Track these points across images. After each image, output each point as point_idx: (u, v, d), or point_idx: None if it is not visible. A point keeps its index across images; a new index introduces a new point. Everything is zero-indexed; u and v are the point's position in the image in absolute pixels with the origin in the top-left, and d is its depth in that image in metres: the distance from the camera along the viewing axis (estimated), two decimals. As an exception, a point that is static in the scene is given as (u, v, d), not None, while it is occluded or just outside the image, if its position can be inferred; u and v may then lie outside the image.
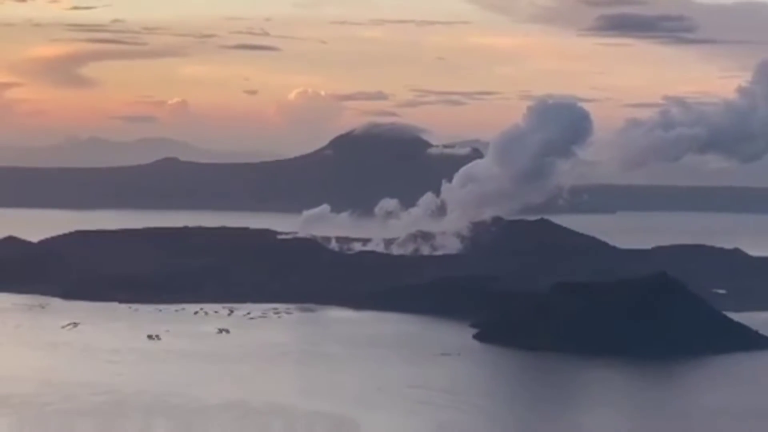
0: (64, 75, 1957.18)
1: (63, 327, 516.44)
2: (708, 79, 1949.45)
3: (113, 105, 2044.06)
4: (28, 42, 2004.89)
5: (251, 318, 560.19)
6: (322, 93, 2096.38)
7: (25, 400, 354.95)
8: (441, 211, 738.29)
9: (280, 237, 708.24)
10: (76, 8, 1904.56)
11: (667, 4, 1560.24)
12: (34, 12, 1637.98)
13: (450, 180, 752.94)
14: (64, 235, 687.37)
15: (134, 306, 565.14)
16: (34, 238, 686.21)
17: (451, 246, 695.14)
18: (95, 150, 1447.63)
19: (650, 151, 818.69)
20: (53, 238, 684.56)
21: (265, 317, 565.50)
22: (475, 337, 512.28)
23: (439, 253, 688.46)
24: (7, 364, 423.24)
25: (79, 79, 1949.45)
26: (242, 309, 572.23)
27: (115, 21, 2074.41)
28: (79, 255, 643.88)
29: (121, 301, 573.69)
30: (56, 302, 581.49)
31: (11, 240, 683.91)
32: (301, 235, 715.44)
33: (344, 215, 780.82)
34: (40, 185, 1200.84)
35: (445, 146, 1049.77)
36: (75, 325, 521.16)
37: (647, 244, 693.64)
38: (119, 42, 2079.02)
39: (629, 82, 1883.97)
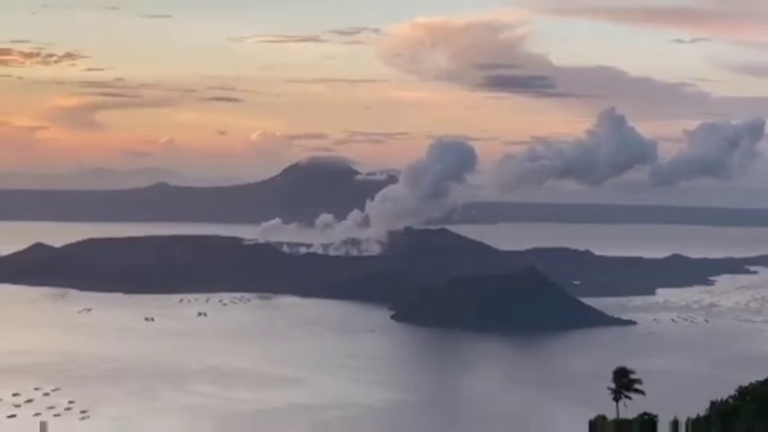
0: (80, 120, 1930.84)
1: (79, 312, 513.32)
2: (564, 123, 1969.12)
3: (117, 143, 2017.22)
4: (52, 95, 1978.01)
5: (224, 304, 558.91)
6: (277, 134, 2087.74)
7: (51, 368, 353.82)
8: (366, 222, 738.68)
9: (244, 243, 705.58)
10: (89, 69, 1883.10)
11: (535, 67, 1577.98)
12: (57, 72, 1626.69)
13: (372, 199, 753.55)
14: (80, 242, 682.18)
15: (134, 296, 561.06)
16: (57, 244, 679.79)
17: (374, 249, 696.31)
18: (103, 177, 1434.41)
19: (521, 178, 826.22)
20: (72, 244, 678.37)
21: (233, 303, 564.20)
22: (392, 317, 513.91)
23: (365, 254, 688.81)
24: (36, 340, 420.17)
25: (91, 123, 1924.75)
26: (216, 297, 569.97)
27: (118, 79, 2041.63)
28: (91, 257, 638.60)
29: (124, 292, 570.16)
30: (74, 293, 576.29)
31: (39, 246, 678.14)
32: (260, 241, 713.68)
33: (293, 226, 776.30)
34: (60, 203, 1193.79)
35: (369, 174, 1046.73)
36: (88, 310, 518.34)
37: (521, 247, 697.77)
38: (122, 95, 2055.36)
39: (506, 125, 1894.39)
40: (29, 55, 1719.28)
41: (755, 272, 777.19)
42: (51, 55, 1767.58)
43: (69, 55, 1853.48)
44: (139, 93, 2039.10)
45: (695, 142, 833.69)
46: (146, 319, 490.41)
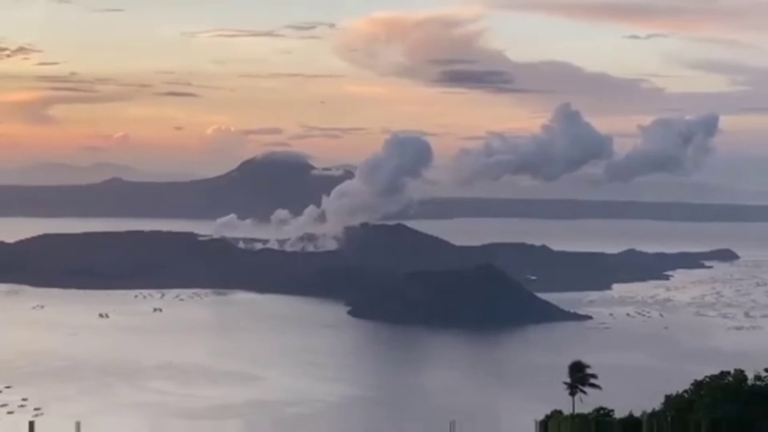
0: (34, 115, 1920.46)
1: (32, 308, 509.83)
2: (520, 118, 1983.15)
3: (72, 138, 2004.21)
4: (5, 90, 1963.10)
5: (180, 300, 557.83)
6: (232, 129, 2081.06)
7: (4, 366, 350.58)
8: (322, 218, 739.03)
9: (200, 238, 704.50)
10: (42, 64, 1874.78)
11: (491, 63, 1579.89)
12: (10, 66, 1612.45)
13: (329, 195, 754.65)
14: (34, 238, 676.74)
15: (88, 292, 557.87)
16: (10, 239, 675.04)
17: (330, 245, 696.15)
18: (58, 172, 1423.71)
19: (477, 173, 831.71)
20: (25, 240, 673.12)
21: (189, 299, 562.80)
22: (349, 313, 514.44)
23: (321, 250, 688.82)
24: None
25: (45, 118, 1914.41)
26: (171, 293, 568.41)
27: (73, 74, 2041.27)
28: (45, 253, 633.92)
29: (78, 288, 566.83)
30: (27, 289, 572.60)
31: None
32: (215, 236, 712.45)
33: (248, 222, 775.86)
34: (14, 198, 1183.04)
35: (325, 169, 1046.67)
36: (42, 307, 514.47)
37: (477, 242, 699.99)
38: (76, 90, 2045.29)
39: (462, 121, 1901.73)
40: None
41: (710, 267, 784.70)
42: (3, 50, 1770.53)
43: (22, 50, 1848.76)
44: (93, 88, 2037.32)
45: (650, 137, 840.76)
46: (101, 315, 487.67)
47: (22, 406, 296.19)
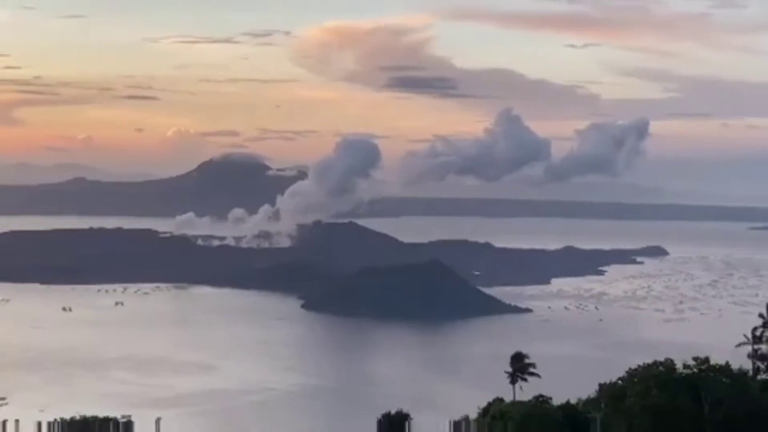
0: (1, 116, 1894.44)
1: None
2: (464, 122, 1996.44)
3: (37, 139, 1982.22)
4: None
5: (144, 293, 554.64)
6: (191, 131, 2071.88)
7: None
8: (276, 216, 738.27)
9: (160, 235, 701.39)
10: (8, 67, 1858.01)
11: (437, 69, 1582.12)
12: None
13: (283, 194, 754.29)
14: (0, 234, 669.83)
15: (52, 286, 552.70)
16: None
17: (284, 242, 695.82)
18: (23, 172, 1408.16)
19: (423, 173, 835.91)
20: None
21: (150, 294, 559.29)
22: (302, 306, 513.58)
23: (276, 246, 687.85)
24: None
25: (10, 120, 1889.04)
26: (133, 287, 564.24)
27: (36, 77, 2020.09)
28: (10, 249, 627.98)
29: (42, 283, 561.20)
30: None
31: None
32: (175, 234, 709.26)
33: (206, 219, 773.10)
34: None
35: (279, 170, 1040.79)
36: (6, 301, 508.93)
37: (424, 239, 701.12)
38: (41, 93, 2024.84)
39: (410, 124, 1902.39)
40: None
41: (641, 263, 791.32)
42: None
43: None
44: (57, 91, 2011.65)
45: (585, 140, 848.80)
46: (64, 309, 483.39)
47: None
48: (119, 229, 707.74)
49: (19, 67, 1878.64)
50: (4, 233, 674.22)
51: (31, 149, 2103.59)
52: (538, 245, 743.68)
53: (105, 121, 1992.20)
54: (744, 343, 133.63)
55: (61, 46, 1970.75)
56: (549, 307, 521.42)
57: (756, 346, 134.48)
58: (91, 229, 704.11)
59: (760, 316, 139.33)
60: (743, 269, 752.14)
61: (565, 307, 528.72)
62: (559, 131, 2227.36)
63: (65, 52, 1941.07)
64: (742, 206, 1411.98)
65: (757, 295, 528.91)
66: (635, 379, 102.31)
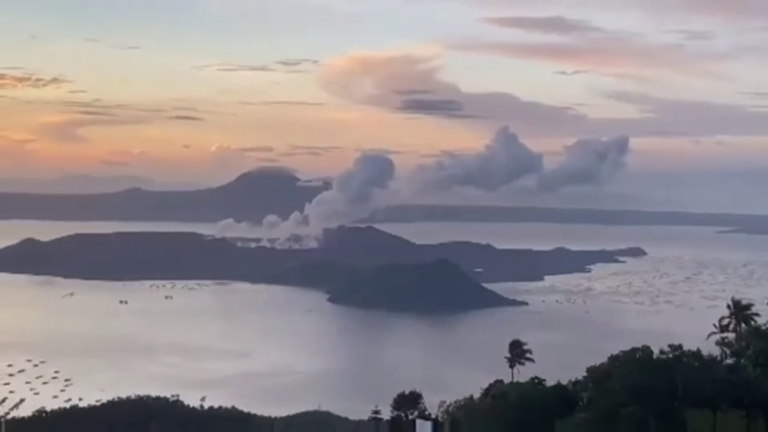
0: (65, 135, 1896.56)
1: (63, 296, 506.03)
2: (467, 139, 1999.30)
3: (97, 154, 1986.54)
4: (41, 113, 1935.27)
5: (189, 289, 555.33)
6: (231, 147, 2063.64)
7: (40, 343, 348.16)
8: (305, 222, 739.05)
9: (204, 238, 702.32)
10: (72, 92, 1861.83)
11: (444, 93, 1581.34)
12: (45, 94, 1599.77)
13: (311, 202, 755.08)
14: (65, 237, 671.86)
15: (110, 282, 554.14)
16: (45, 239, 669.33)
17: (312, 243, 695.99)
18: (85, 183, 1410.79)
19: (431, 184, 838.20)
20: (57, 239, 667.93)
21: (195, 289, 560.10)
22: (328, 300, 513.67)
23: (305, 248, 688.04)
24: (27, 320, 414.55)
25: (74, 137, 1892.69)
26: (180, 284, 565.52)
27: (97, 100, 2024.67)
28: (74, 250, 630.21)
29: (102, 279, 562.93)
30: (59, 280, 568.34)
31: (29, 240, 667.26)
32: (217, 237, 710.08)
33: (244, 224, 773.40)
34: (48, 205, 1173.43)
35: (307, 181, 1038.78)
36: (71, 295, 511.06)
37: (433, 241, 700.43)
38: (100, 114, 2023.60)
39: (420, 141, 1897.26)
40: (21, 79, 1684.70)
41: (623, 262, 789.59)
42: (40, 80, 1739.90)
43: (55, 80, 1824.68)
44: (114, 112, 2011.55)
45: (573, 155, 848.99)
46: (121, 301, 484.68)
47: (54, 377, 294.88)
48: (169, 233, 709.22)
49: (82, 92, 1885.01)
50: (70, 236, 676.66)
51: (92, 163, 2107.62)
52: (532, 246, 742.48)
53: (156, 139, 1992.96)
54: (714, 333, 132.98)
55: (119, 73, 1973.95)
56: (542, 301, 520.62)
57: (723, 335, 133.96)
58: (144, 233, 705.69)
59: (728, 307, 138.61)
60: (712, 268, 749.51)
61: (557, 301, 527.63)
62: (550, 147, 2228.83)
63: (122, 78, 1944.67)
64: (711, 213, 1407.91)
65: (724, 290, 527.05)
66: (618, 363, 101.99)
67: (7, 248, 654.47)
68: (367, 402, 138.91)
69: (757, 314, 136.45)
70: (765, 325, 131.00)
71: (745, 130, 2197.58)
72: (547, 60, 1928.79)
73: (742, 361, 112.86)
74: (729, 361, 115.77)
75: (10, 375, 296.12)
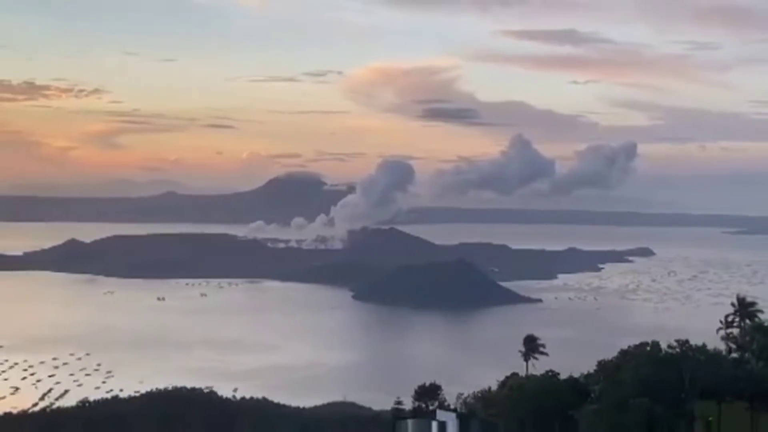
0: (105, 142, 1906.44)
1: (104, 293, 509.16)
2: (484, 146, 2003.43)
3: (135, 160, 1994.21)
4: (83, 122, 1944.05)
5: (221, 287, 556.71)
6: (261, 153, 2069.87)
7: (83, 337, 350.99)
8: (331, 223, 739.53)
9: (237, 239, 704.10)
10: (112, 102, 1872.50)
11: (462, 102, 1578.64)
12: (87, 104, 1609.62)
13: (336, 205, 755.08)
14: (106, 238, 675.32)
15: (149, 280, 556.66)
16: (87, 239, 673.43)
17: (337, 244, 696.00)
18: (124, 187, 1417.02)
19: (450, 188, 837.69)
20: (99, 240, 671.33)
21: (228, 287, 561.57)
22: (353, 297, 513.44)
23: (330, 248, 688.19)
24: (70, 316, 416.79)
25: (114, 144, 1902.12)
26: (214, 282, 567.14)
27: (135, 110, 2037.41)
28: (114, 250, 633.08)
29: (140, 278, 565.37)
30: (100, 278, 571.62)
31: (73, 241, 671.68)
32: (248, 237, 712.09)
33: (273, 226, 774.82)
34: (90, 207, 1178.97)
35: (333, 185, 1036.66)
36: (112, 292, 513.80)
37: (452, 242, 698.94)
38: (138, 123, 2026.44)
39: (439, 147, 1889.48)
40: (65, 91, 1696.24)
41: (632, 261, 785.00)
42: (82, 91, 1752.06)
43: (96, 91, 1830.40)
44: (152, 121, 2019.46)
45: (584, 160, 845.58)
46: (158, 298, 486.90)
47: (96, 370, 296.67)
48: (203, 234, 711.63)
49: (121, 102, 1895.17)
50: (110, 237, 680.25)
51: (130, 169, 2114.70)
52: (545, 247, 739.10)
53: (191, 146, 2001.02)
54: (720, 328, 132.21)
55: (156, 84, 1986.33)
56: (555, 298, 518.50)
57: (728, 331, 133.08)
58: (180, 234, 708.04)
59: (732, 305, 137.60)
60: (717, 267, 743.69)
61: (569, 298, 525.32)
62: (563, 152, 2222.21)
63: (159, 89, 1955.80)
64: (717, 214, 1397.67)
65: (728, 288, 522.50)
66: (627, 357, 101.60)
67: (52, 249, 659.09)
68: (389, 393, 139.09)
69: (760, 311, 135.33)
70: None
71: (749, 136, 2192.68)
72: (560, 70, 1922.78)
73: (746, 355, 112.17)
74: (734, 355, 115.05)
75: (56, 367, 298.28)
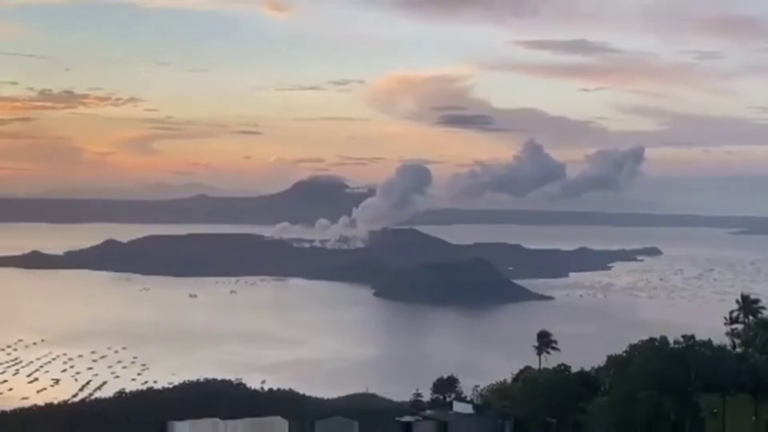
0: (140, 147, 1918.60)
1: (140, 290, 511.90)
2: (498, 150, 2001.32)
3: (168, 165, 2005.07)
4: (120, 129, 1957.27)
5: (249, 285, 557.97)
6: (287, 158, 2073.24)
7: (119, 332, 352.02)
8: (353, 224, 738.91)
9: (264, 239, 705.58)
10: (147, 110, 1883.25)
11: (477, 109, 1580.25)
12: (123, 112, 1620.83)
13: (357, 207, 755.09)
14: (141, 238, 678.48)
15: (181, 278, 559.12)
16: (124, 239, 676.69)
17: (359, 244, 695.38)
18: (158, 190, 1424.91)
19: (465, 191, 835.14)
20: (135, 240, 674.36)
21: (256, 284, 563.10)
22: (374, 294, 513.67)
23: (352, 248, 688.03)
24: (107, 311, 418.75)
25: (149, 150, 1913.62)
26: (243, 279, 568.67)
27: (169, 117, 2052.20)
28: (149, 249, 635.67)
29: (174, 275, 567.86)
30: (136, 276, 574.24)
31: (110, 241, 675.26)
32: (275, 237, 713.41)
33: (298, 227, 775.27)
34: (126, 209, 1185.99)
35: (354, 188, 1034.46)
36: (147, 289, 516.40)
37: (468, 242, 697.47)
38: (172, 129, 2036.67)
39: (455, 152, 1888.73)
40: (102, 99, 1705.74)
41: (641, 260, 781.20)
42: (119, 99, 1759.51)
43: (132, 99, 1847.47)
44: (184, 127, 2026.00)
45: (594, 164, 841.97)
46: (190, 295, 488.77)
47: (132, 362, 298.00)
48: (232, 234, 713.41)
49: (155, 110, 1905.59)
50: (145, 237, 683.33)
51: (164, 173, 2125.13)
52: (557, 246, 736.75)
53: (221, 151, 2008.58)
54: (726, 323, 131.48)
55: (188, 92, 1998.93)
56: (567, 295, 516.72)
57: (733, 326, 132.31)
58: (211, 235, 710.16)
59: (737, 302, 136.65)
60: (722, 266, 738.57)
61: (580, 295, 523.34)
62: (573, 157, 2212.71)
63: (191, 97, 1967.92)
64: (721, 215, 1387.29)
65: (732, 286, 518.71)
66: (636, 352, 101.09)
67: (91, 248, 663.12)
68: (409, 385, 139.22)
69: (763, 308, 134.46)
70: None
71: (751, 141, 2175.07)
72: (570, 78, 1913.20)
73: (750, 350, 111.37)
74: (738, 350, 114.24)
75: (94, 360, 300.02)
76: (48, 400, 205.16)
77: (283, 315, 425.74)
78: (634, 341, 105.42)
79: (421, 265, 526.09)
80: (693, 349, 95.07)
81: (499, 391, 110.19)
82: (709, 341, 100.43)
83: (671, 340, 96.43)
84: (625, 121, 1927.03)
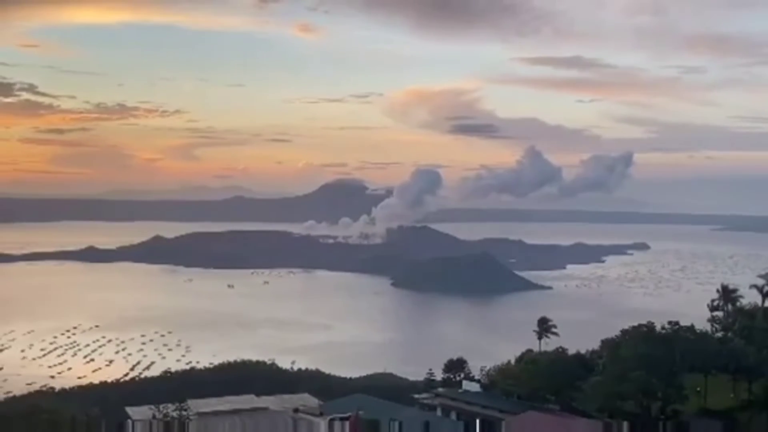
0: (184, 154, 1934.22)
1: (184, 281, 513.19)
2: (502, 156, 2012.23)
3: (209, 169, 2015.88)
4: (166, 137, 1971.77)
5: (281, 276, 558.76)
6: (315, 163, 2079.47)
7: (166, 318, 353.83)
8: (372, 222, 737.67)
9: (293, 235, 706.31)
10: (190, 120, 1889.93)
11: (484, 119, 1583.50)
12: (169, 123, 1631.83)
13: (376, 207, 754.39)
14: (185, 235, 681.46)
15: (221, 270, 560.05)
16: (170, 236, 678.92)
17: (378, 240, 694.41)
18: (200, 192, 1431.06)
19: (473, 192, 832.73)
20: (180, 236, 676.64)
21: (286, 276, 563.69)
22: (392, 284, 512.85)
23: (372, 243, 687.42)
24: (155, 300, 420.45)
25: (191, 156, 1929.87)
26: (275, 272, 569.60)
27: (209, 127, 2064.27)
28: (193, 244, 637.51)
29: (214, 268, 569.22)
30: (181, 269, 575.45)
31: (158, 237, 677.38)
32: (303, 234, 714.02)
33: (323, 224, 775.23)
34: (172, 209, 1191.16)
35: (374, 190, 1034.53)
36: (190, 280, 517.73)
37: (475, 238, 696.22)
38: (212, 138, 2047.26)
39: (463, 158, 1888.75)
40: (150, 111, 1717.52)
41: (631, 254, 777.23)
42: (165, 111, 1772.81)
43: (177, 111, 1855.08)
44: (223, 136, 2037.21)
45: (587, 168, 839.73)
46: (229, 285, 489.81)
47: (177, 345, 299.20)
48: (265, 231, 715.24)
49: (197, 121, 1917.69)
50: (189, 234, 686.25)
51: (205, 177, 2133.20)
52: (556, 242, 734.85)
53: (256, 157, 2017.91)
54: (709, 311, 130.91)
55: (226, 105, 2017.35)
56: (565, 286, 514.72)
57: (714, 313, 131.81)
58: (247, 231, 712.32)
59: (717, 291, 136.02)
60: (704, 259, 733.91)
61: (576, 286, 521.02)
62: (569, 161, 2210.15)
63: (229, 109, 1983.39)
64: (703, 214, 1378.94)
65: (713, 277, 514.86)
66: (627, 337, 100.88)
67: (141, 244, 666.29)
68: (423, 366, 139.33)
69: (741, 296, 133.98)
70: (748, 305, 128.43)
71: (731, 147, 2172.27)
72: (568, 91, 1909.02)
73: (729, 334, 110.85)
74: (718, 334, 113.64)
75: (143, 343, 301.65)
76: (102, 379, 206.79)
77: (310, 303, 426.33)
78: (625, 327, 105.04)
79: (433, 258, 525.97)
80: (678, 334, 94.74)
81: (504, 371, 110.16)
82: (693, 327, 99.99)
83: (658, 326, 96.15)
84: (616, 129, 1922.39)
